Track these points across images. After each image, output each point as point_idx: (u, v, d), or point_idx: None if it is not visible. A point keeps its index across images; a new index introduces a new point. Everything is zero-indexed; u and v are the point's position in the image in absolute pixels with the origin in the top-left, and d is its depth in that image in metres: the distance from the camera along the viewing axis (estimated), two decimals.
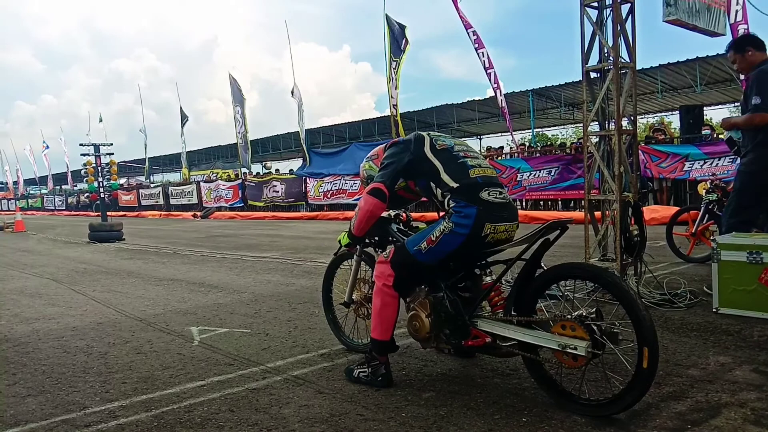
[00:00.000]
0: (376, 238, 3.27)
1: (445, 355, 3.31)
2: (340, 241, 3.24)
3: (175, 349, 3.77)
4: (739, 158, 4.70)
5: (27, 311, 5.27)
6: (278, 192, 22.38)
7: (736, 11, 5.30)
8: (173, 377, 3.20)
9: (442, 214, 2.79)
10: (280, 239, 11.87)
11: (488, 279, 2.82)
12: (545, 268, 2.63)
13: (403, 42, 17.60)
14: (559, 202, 14.54)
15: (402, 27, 17.61)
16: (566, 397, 2.54)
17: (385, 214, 3.12)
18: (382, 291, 2.88)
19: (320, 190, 20.47)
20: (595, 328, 2.37)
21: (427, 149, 2.85)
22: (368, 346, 3.40)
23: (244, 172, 27.19)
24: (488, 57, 16.53)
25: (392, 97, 17.78)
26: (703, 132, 12.57)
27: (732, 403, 2.51)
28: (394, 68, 17.72)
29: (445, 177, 2.75)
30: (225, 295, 5.67)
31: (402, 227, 3.21)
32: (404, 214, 3.31)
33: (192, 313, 4.88)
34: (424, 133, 2.95)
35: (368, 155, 3.31)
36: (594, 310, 2.47)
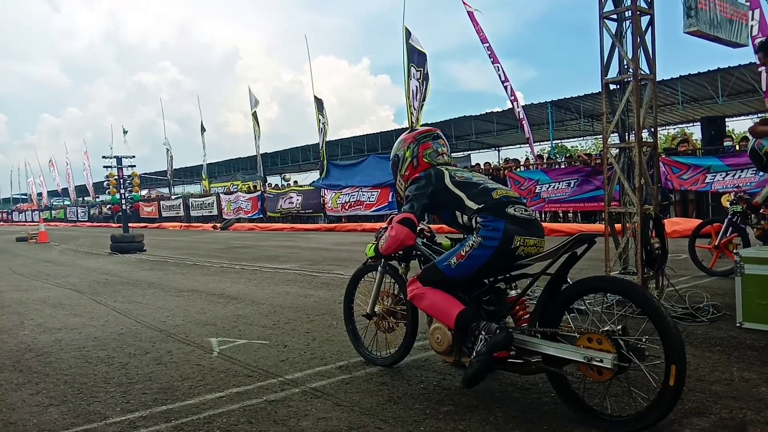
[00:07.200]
0: (400, 252, 3.29)
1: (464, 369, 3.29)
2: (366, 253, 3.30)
3: (195, 360, 3.80)
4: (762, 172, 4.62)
5: (50, 321, 5.34)
6: (293, 203, 22.52)
7: (752, 26, 5.24)
8: (193, 388, 3.23)
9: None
10: (298, 251, 11.92)
11: (513, 293, 2.80)
12: (570, 282, 2.61)
13: (425, 65, 17.53)
14: (579, 215, 14.43)
15: (423, 54, 17.49)
16: (589, 412, 2.51)
17: None
18: (419, 294, 2.88)
19: (338, 202, 20.55)
20: (621, 342, 2.34)
21: (447, 182, 2.90)
22: (387, 359, 3.42)
23: (266, 184, 27.43)
24: (503, 71, 16.61)
25: (414, 110, 17.59)
26: (725, 143, 12.42)
27: (757, 420, 2.46)
28: (418, 79, 17.53)
29: (469, 203, 2.79)
30: (244, 306, 5.70)
31: (426, 242, 3.23)
32: (428, 230, 3.32)
33: (211, 324, 4.91)
34: (442, 168, 3.00)
35: (399, 139, 3.28)
36: (620, 326, 2.44)
